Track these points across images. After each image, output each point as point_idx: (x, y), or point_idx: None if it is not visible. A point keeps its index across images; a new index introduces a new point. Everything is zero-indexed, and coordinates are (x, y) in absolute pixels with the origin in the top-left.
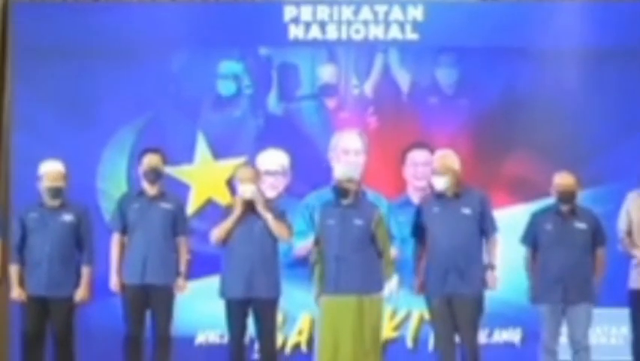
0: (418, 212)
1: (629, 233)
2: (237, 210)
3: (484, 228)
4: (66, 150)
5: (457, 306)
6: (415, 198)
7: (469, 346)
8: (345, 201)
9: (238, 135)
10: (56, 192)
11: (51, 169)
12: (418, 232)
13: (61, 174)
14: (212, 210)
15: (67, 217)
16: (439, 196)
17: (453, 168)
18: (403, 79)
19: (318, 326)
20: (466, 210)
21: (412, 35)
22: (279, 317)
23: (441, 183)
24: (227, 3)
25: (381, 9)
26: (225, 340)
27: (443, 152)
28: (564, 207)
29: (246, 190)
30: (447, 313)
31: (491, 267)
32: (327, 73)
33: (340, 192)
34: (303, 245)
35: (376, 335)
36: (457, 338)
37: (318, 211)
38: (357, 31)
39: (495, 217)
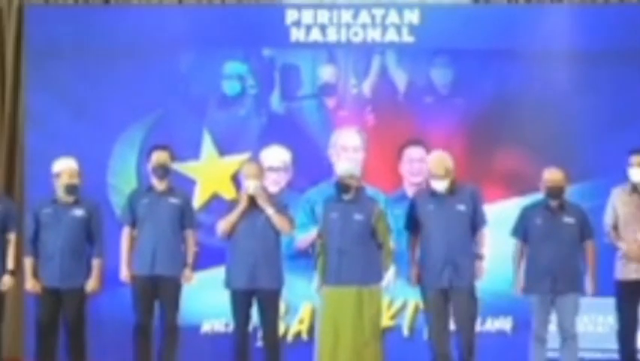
0: (412, 206)
1: (615, 227)
2: (242, 204)
3: (475, 221)
4: (78, 147)
5: (453, 298)
6: (411, 192)
7: (466, 335)
8: (346, 197)
9: (242, 133)
10: (72, 189)
11: (68, 167)
12: (412, 224)
13: (75, 171)
14: (217, 205)
15: (79, 212)
16: (434, 193)
17: (451, 169)
18: (400, 79)
19: (320, 315)
20: (461, 207)
21: (408, 38)
22: (282, 307)
23: (441, 186)
24: (233, 6)
25: (378, 13)
26: (230, 328)
27: (439, 154)
28: (553, 202)
29: (249, 186)
30: (442, 305)
31: (479, 258)
32: (327, 73)
33: (342, 187)
34: (304, 238)
35: (376, 325)
36: (453, 328)
37: (321, 206)
38: (356, 34)
39: (484, 211)
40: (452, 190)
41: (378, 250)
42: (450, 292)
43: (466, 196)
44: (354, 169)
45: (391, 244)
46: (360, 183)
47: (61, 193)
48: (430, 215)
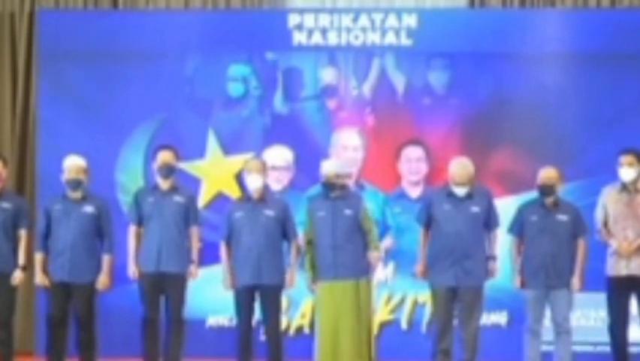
0: (428, 203)
1: (605, 224)
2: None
3: (488, 222)
4: (88, 146)
5: (462, 296)
6: (409, 191)
7: (471, 332)
8: (333, 194)
9: (246, 133)
10: (76, 185)
11: (71, 163)
12: (425, 220)
13: (81, 168)
14: (222, 203)
15: (89, 209)
16: (451, 193)
17: (473, 176)
18: (398, 81)
19: (318, 309)
20: (475, 209)
21: (406, 41)
22: (284, 302)
23: (462, 192)
24: (237, 11)
25: (378, 17)
26: (234, 322)
27: (463, 162)
28: (547, 200)
29: (252, 180)
30: (449, 302)
31: (493, 258)
32: (328, 75)
33: (330, 186)
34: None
35: (371, 314)
36: (457, 322)
37: (307, 205)
38: (356, 37)
39: (497, 213)
40: (470, 194)
41: (364, 244)
42: (459, 290)
43: (481, 198)
44: (339, 168)
45: (387, 241)
46: (347, 179)
47: (66, 189)
48: (445, 215)
